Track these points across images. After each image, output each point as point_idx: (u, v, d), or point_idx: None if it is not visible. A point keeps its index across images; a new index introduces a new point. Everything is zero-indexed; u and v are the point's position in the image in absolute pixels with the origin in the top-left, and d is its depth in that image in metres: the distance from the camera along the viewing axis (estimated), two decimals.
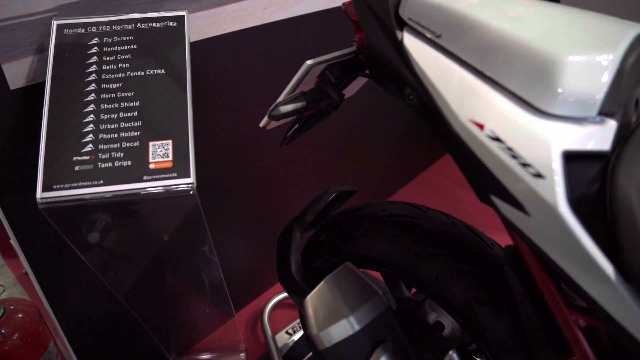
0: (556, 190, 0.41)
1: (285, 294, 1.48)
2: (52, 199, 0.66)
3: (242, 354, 1.34)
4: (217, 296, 1.23)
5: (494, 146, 0.44)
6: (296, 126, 0.83)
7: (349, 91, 0.87)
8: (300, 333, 1.38)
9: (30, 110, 0.81)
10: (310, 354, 1.32)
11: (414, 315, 0.86)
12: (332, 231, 0.88)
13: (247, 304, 1.52)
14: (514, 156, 0.43)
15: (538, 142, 0.42)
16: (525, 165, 0.43)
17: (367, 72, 0.72)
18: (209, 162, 1.17)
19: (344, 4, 0.69)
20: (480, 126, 0.45)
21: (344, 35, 0.85)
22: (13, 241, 0.90)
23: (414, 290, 1.02)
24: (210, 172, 1.18)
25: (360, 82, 0.85)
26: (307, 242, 0.96)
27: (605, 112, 0.46)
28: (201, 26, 1.01)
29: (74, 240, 0.78)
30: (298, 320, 1.42)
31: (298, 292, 0.87)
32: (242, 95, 1.17)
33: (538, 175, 0.42)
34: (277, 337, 1.36)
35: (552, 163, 0.42)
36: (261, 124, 0.78)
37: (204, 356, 1.34)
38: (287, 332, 1.38)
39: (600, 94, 0.44)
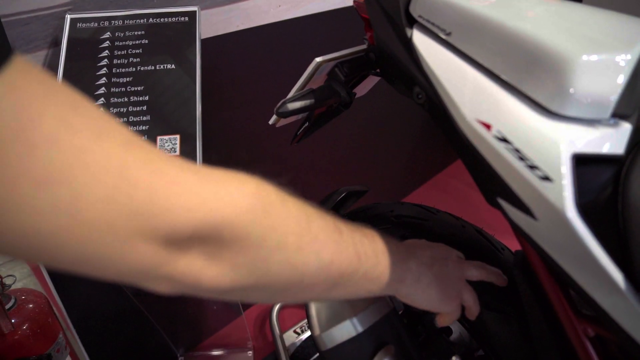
0: (564, 195, 0.40)
1: None
2: None
3: (250, 352, 1.34)
4: None
5: (501, 147, 0.43)
6: (306, 124, 0.82)
7: (361, 90, 0.86)
8: (308, 333, 1.37)
9: None
10: (318, 354, 1.31)
11: (421, 318, 0.85)
12: None
13: (256, 302, 1.52)
14: (522, 158, 0.42)
15: (547, 144, 0.41)
16: (532, 167, 0.41)
17: (378, 70, 0.71)
18: (219, 157, 1.17)
19: (355, 1, 0.68)
20: (488, 126, 0.44)
21: (359, 34, 0.85)
22: None
23: None
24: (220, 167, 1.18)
25: (371, 81, 0.84)
26: None
27: (619, 114, 0.44)
28: (215, 23, 1.01)
29: None
30: (306, 320, 1.42)
31: None
32: (254, 92, 1.16)
33: (546, 179, 0.40)
34: (285, 336, 1.36)
35: (560, 166, 0.40)
36: (271, 122, 0.78)
37: (212, 352, 1.35)
38: (295, 332, 1.38)
39: (614, 95, 0.43)
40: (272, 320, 1.39)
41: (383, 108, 1.63)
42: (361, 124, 1.58)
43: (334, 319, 0.66)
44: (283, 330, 1.37)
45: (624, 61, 0.43)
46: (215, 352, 1.35)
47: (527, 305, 0.63)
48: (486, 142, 0.44)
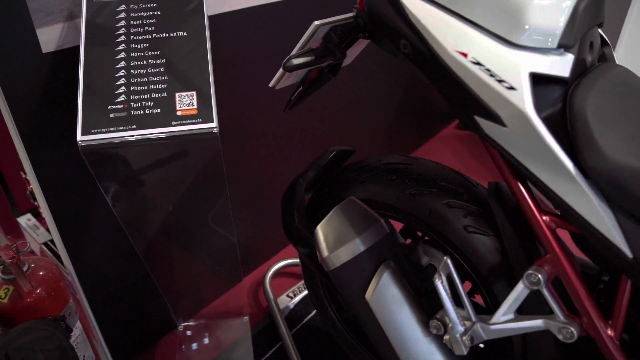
0: (525, 98, 0.52)
1: (285, 262, 1.57)
2: (91, 141, 0.75)
3: (246, 317, 1.43)
4: (228, 255, 1.32)
5: (475, 69, 0.55)
6: (301, 88, 0.93)
7: (347, 58, 0.97)
8: (301, 296, 1.47)
9: (60, 72, 0.90)
10: (311, 314, 1.41)
11: (408, 258, 0.97)
12: (334, 183, 0.98)
13: (250, 273, 1.60)
14: (492, 75, 0.54)
15: (510, 64, 0.53)
16: (500, 81, 0.53)
17: (366, 34, 0.82)
18: (230, 112, 1.25)
19: None
20: (464, 55, 0.56)
21: (346, 9, 0.97)
22: (41, 201, 0.98)
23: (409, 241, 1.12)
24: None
25: (358, 47, 0.95)
26: (311, 198, 1.06)
27: (563, 44, 0.57)
28: (210, 4, 1.10)
29: (104, 183, 0.86)
30: (298, 284, 1.52)
31: (302, 243, 0.96)
32: (248, 66, 1.26)
33: (511, 88, 0.53)
34: (279, 300, 1.45)
35: (521, 79, 0.52)
36: (271, 84, 0.88)
37: (210, 320, 1.43)
38: (287, 296, 1.47)
39: (559, 29, 0.55)
40: (265, 286, 1.48)
41: (378, 80, 1.76)
42: (358, 94, 1.70)
43: (339, 241, 0.76)
44: (276, 296, 1.47)
45: (565, 3, 0.56)
46: (213, 319, 1.43)
47: (501, 223, 0.75)
48: (464, 66, 0.56)
